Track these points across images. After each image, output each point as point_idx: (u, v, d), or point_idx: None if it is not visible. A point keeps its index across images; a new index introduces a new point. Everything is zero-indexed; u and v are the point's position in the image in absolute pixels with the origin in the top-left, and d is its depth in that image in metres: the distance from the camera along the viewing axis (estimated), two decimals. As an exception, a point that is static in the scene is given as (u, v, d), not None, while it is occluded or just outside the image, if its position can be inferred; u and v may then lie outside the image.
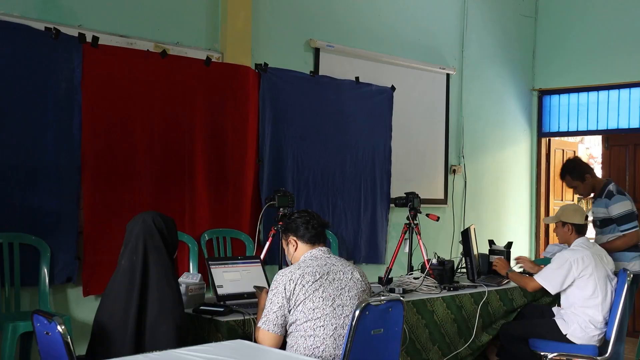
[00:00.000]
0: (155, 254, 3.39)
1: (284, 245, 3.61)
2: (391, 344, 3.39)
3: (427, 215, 5.33)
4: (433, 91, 7.54)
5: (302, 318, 3.27)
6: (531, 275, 5.06)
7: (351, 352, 3.17)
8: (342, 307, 3.34)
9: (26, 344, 4.48)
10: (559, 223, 4.93)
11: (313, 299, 3.28)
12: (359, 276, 3.47)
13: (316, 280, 3.31)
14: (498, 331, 4.99)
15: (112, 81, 4.97)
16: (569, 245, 4.91)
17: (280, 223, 4.76)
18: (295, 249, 3.52)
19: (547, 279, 4.77)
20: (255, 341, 3.33)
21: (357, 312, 3.17)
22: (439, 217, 5.37)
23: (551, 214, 8.61)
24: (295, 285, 3.28)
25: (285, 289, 3.29)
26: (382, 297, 3.38)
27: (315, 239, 3.50)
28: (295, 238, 3.52)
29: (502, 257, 5.36)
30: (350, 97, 6.51)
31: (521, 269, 5.46)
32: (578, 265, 4.70)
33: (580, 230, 4.89)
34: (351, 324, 3.17)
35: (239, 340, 3.19)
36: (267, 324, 3.29)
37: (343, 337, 3.30)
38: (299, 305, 3.27)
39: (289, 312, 3.29)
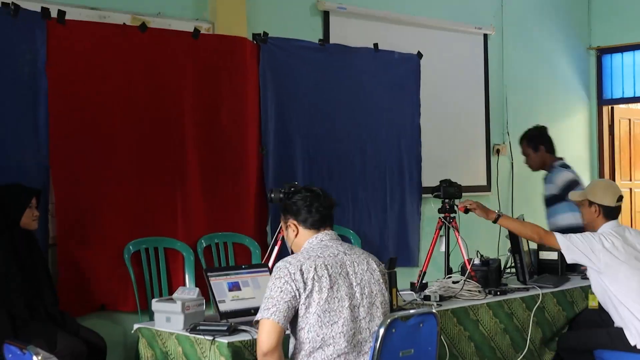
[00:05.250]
0: None
1: (283, 229, 3.59)
2: None
3: (457, 206, 5.35)
4: (468, 56, 7.55)
5: (317, 323, 3.25)
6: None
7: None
8: (358, 307, 3.33)
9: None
10: (585, 201, 4.88)
11: (329, 299, 3.27)
12: (375, 266, 3.46)
13: (330, 276, 3.29)
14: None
15: (84, 63, 5.04)
16: (594, 231, 4.88)
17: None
18: (297, 235, 3.50)
19: (566, 241, 4.68)
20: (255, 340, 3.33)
21: (382, 330, 3.16)
22: (467, 209, 5.37)
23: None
24: (307, 279, 3.25)
25: (295, 279, 3.24)
26: (412, 311, 3.39)
27: (320, 223, 3.47)
28: (295, 222, 3.49)
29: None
30: (368, 69, 6.54)
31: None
32: (607, 243, 4.64)
33: (610, 213, 4.81)
34: (375, 344, 3.17)
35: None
36: (277, 315, 3.20)
37: (362, 344, 3.31)
38: (311, 306, 3.25)
39: (297, 311, 3.27)
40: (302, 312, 3.27)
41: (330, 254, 3.38)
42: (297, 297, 3.24)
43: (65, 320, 4.51)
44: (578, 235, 4.75)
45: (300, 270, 3.27)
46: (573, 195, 5.10)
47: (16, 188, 4.52)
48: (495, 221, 4.95)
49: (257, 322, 3.28)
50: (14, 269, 4.33)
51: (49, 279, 4.59)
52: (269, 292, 3.27)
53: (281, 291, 3.24)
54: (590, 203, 4.83)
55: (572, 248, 4.68)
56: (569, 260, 4.77)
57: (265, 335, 3.20)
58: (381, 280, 3.45)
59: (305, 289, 3.25)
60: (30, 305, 4.35)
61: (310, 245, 3.44)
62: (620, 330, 4.78)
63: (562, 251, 4.76)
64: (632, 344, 4.70)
